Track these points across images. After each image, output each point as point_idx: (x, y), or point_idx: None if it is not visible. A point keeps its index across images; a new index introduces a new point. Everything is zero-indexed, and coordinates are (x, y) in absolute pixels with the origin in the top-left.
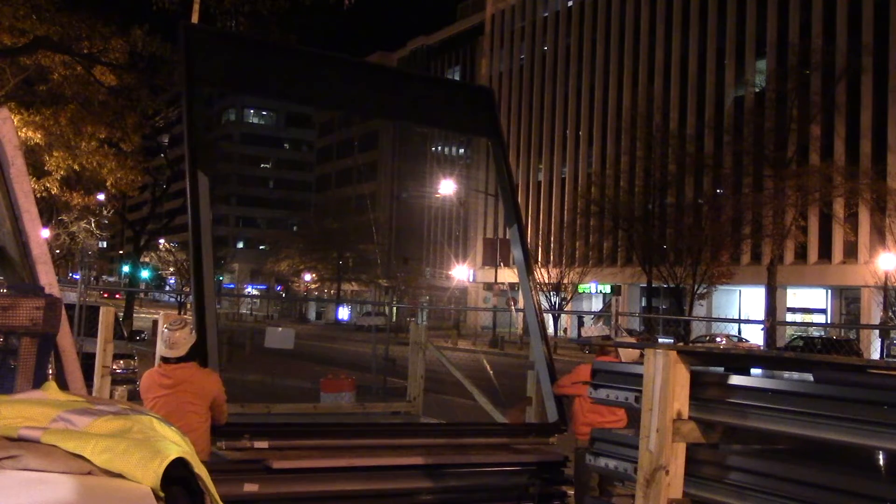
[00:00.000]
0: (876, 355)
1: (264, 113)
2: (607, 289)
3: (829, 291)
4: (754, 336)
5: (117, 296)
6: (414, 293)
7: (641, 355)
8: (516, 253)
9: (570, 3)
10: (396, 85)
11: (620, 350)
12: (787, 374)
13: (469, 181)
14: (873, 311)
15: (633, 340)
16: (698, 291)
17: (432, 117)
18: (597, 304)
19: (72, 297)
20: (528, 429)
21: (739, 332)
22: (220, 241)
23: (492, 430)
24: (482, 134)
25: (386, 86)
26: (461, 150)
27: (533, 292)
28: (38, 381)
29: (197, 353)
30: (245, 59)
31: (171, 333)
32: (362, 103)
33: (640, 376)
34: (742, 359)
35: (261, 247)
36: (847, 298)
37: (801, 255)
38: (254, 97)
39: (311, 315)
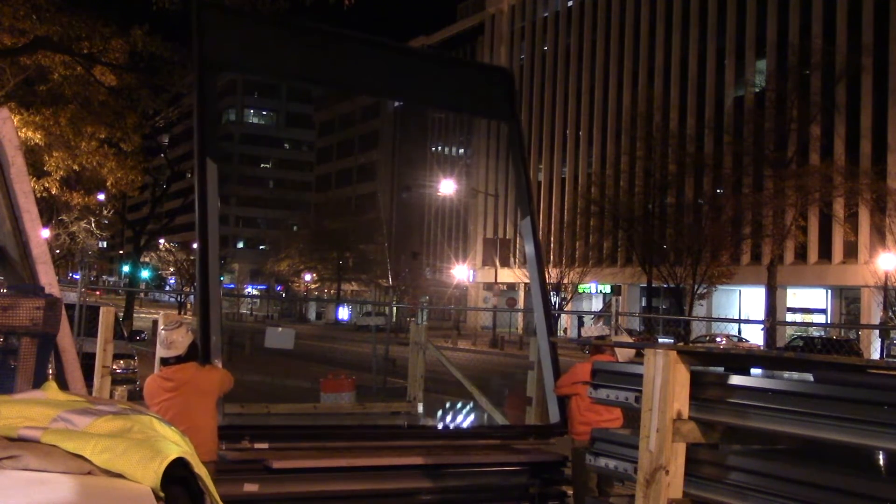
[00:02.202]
0: (876, 355)
1: (264, 113)
2: (607, 289)
3: (829, 291)
4: (754, 336)
5: (97, 292)
6: (414, 293)
7: (638, 354)
8: (528, 247)
9: (570, 3)
10: (413, 65)
11: (616, 349)
12: (787, 374)
13: (470, 179)
14: (873, 311)
15: (629, 339)
16: (698, 291)
17: (448, 99)
18: (597, 304)
19: (72, 297)
20: (527, 431)
21: (739, 332)
22: (220, 240)
23: (491, 434)
24: (499, 117)
25: (402, 66)
26: (461, 150)
27: (543, 289)
28: (38, 381)
29: (196, 353)
30: (259, 38)
31: (167, 334)
32: (377, 84)
33: (640, 376)
34: (742, 359)
35: (261, 247)
36: (847, 298)
37: (801, 255)
38: (268, 77)
39: (311, 315)
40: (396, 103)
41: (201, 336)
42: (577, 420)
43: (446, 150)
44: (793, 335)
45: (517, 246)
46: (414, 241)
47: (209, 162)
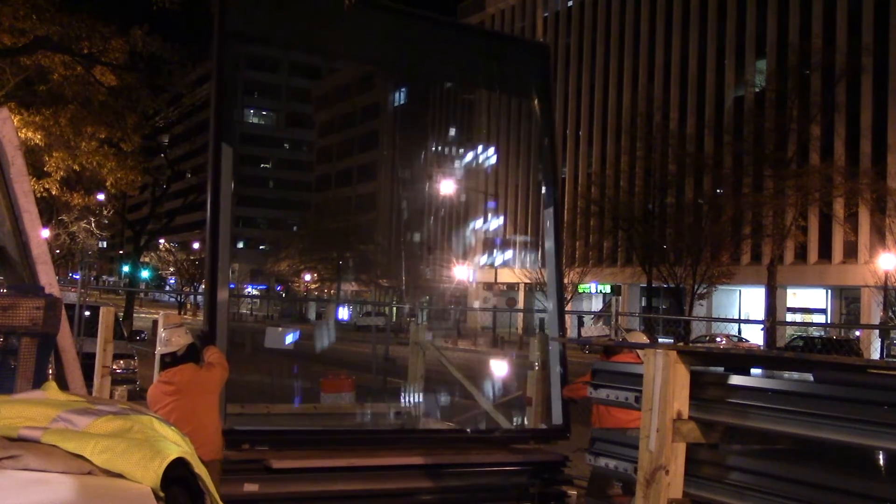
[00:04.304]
0: (876, 355)
1: (264, 113)
2: (607, 289)
3: (829, 291)
4: (754, 336)
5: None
6: (415, 293)
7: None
8: (548, 242)
9: (570, 3)
10: (442, 38)
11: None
12: (787, 374)
13: (470, 179)
14: (873, 311)
15: (644, 338)
16: (698, 291)
17: (478, 76)
18: (597, 304)
19: (72, 297)
20: (527, 434)
21: (739, 332)
22: None
23: (491, 436)
24: (529, 96)
25: (430, 38)
26: (461, 150)
27: (559, 286)
28: (38, 381)
29: (195, 354)
30: (280, 9)
31: (167, 332)
32: (403, 58)
33: (640, 376)
34: (742, 359)
35: (261, 247)
36: (847, 298)
37: (801, 255)
38: (287, 48)
39: (311, 315)
40: (397, 103)
41: (207, 316)
42: (610, 421)
43: (447, 149)
44: (793, 335)
45: (516, 246)
46: (417, 240)
47: (224, 147)
